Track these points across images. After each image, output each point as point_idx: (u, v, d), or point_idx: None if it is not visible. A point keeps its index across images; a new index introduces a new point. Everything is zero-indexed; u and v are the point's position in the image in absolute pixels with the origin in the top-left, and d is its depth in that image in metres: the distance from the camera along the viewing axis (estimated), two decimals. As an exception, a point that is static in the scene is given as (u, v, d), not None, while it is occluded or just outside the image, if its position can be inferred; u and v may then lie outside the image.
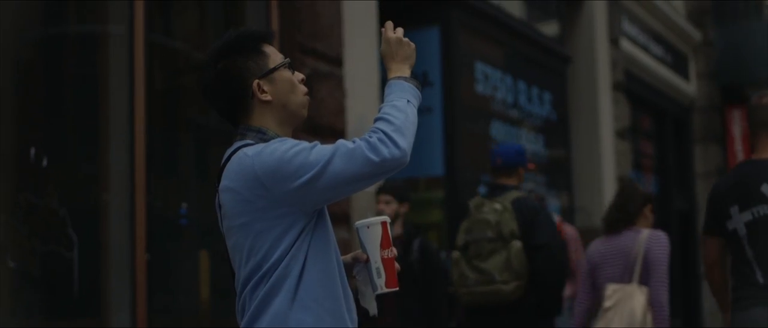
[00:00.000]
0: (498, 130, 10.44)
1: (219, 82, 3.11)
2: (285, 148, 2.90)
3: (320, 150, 2.89)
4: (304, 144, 2.91)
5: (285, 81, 3.08)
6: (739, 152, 19.52)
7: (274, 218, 2.92)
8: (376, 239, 3.10)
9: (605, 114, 13.12)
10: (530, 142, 11.23)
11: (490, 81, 10.42)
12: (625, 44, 14.62)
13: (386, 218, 3.14)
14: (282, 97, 3.07)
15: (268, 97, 3.06)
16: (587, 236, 11.96)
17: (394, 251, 3.13)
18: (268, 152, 2.91)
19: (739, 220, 5.13)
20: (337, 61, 7.80)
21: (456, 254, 6.41)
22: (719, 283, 5.50)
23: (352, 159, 2.86)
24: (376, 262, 3.09)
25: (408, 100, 3.06)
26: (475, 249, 6.23)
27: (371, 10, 8.33)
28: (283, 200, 2.90)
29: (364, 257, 3.12)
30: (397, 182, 7.49)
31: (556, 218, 8.22)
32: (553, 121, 11.91)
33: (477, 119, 10.20)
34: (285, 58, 3.14)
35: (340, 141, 2.91)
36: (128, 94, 6.33)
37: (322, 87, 7.61)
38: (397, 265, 3.13)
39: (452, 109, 9.52)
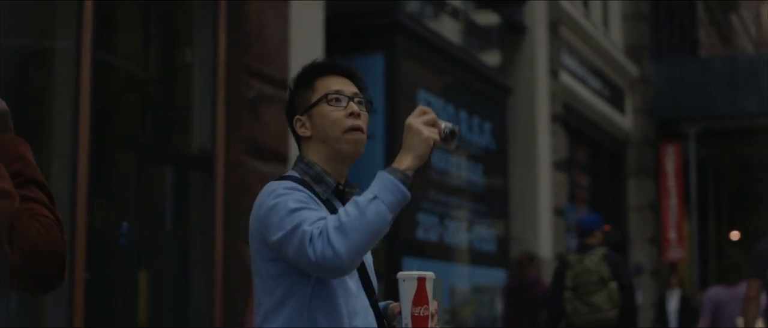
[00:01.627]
0: (438, 159, 10.49)
1: (286, 118, 3.10)
2: (276, 196, 2.81)
3: (291, 219, 2.74)
4: (290, 202, 2.77)
5: (322, 116, 2.94)
6: (672, 187, 19.79)
7: (268, 261, 2.86)
8: (409, 295, 2.93)
9: (543, 145, 13.24)
10: (469, 171, 11.30)
11: (433, 109, 10.43)
12: (564, 77, 14.79)
13: (427, 274, 2.95)
14: (320, 132, 2.95)
15: (307, 133, 2.98)
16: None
17: (432, 308, 2.92)
18: (267, 193, 2.84)
19: None
20: (283, 85, 7.79)
21: (568, 293, 8.24)
22: None
23: (300, 250, 2.69)
24: (406, 318, 2.93)
25: (374, 196, 2.69)
26: (584, 289, 8.21)
27: (318, 34, 8.36)
28: (271, 246, 2.82)
29: (397, 309, 2.98)
30: None
31: None
32: (492, 150, 11.99)
33: (418, 147, 10.23)
34: (326, 93, 2.98)
35: (306, 219, 2.72)
36: (72, 112, 6.27)
37: (266, 110, 7.61)
38: (433, 322, 2.93)
39: (394, 137, 9.54)
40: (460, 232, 11.01)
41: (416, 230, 9.97)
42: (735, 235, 26.34)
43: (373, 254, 9.00)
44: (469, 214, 11.35)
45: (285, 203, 2.76)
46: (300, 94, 3.03)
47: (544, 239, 13.04)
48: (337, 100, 2.96)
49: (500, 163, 12.37)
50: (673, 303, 15.61)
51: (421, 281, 2.91)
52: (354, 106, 2.98)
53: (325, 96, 2.97)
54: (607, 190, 18.30)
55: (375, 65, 9.64)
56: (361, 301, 2.94)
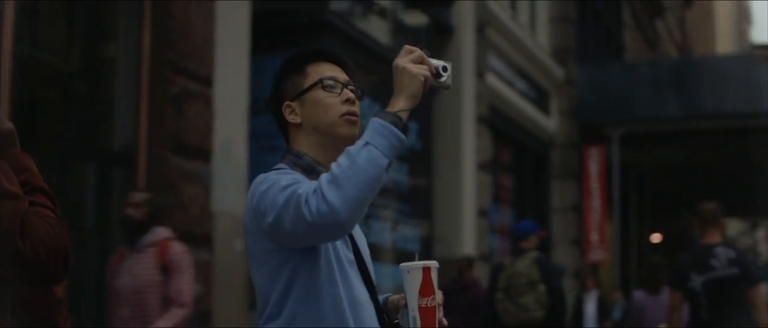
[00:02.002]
0: (363, 158, 10.51)
1: (269, 105, 2.98)
2: (269, 181, 2.69)
3: (284, 193, 2.61)
4: (283, 180, 2.65)
5: (315, 102, 2.84)
6: (595, 190, 19.98)
7: (266, 253, 2.75)
8: (414, 285, 2.82)
9: (468, 146, 13.31)
10: (394, 171, 11.33)
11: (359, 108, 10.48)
12: (491, 78, 14.88)
13: (431, 263, 2.84)
14: (311, 118, 2.84)
15: (297, 120, 2.87)
16: (446, 266, 12.14)
17: (438, 298, 2.84)
18: (259, 182, 2.73)
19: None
20: (207, 82, 7.78)
21: (500, 294, 8.72)
22: None
23: (296, 213, 2.56)
24: (413, 310, 2.82)
25: (366, 143, 2.57)
26: (514, 290, 8.69)
27: (244, 32, 8.34)
28: (267, 234, 2.71)
29: (403, 302, 2.88)
30: None
31: None
32: (417, 150, 12.04)
33: (343, 146, 10.25)
34: (321, 78, 2.89)
35: (300, 186, 2.60)
36: (-8, 105, 6.21)
37: (191, 107, 7.58)
38: (440, 314, 2.84)
39: (320, 135, 9.55)
40: (385, 231, 11.04)
41: (340, 228, 9.97)
42: (656, 237, 26.68)
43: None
44: (394, 214, 11.39)
45: (277, 183, 2.65)
46: (289, 79, 2.92)
47: (468, 240, 13.10)
48: (332, 86, 2.87)
49: (425, 163, 12.43)
50: (590, 305, 15.73)
51: (427, 270, 2.82)
52: (349, 93, 2.91)
53: (321, 81, 2.88)
54: (531, 191, 18.45)
55: (301, 63, 9.62)
56: (363, 293, 2.85)
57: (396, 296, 2.96)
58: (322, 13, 9.73)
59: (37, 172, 2.70)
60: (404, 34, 12.47)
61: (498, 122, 15.47)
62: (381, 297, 3.00)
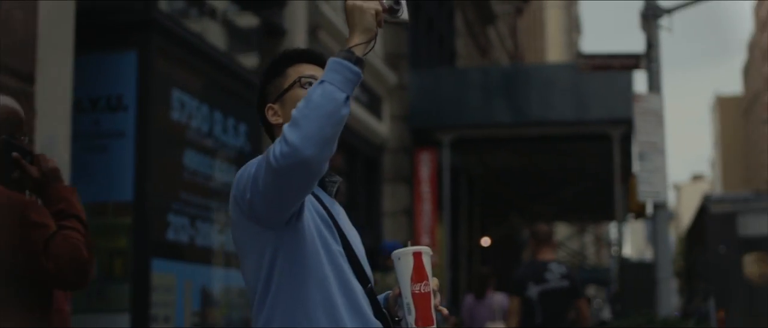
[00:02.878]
0: (191, 159, 10.41)
1: (256, 109, 3.03)
2: (245, 169, 2.81)
3: (256, 164, 2.75)
4: (260, 159, 2.75)
5: (294, 100, 2.84)
6: (426, 193, 20.22)
7: (251, 239, 2.82)
8: (406, 272, 2.81)
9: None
10: (223, 173, 11.26)
11: (186, 109, 10.39)
12: (323, 82, 14.90)
13: (423, 249, 2.85)
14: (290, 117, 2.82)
15: (279, 120, 2.94)
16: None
17: (432, 284, 2.84)
18: (238, 175, 2.82)
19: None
20: (29, 79, 7.59)
21: None
22: None
23: (266, 169, 2.67)
24: (407, 297, 2.80)
25: (321, 81, 2.67)
26: None
27: (68, 29, 8.16)
28: (248, 216, 2.79)
29: (398, 290, 2.89)
30: None
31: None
32: (247, 152, 11.98)
33: (170, 146, 10.14)
34: (299, 77, 2.95)
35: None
36: None
37: (10, 104, 7.39)
38: (436, 300, 2.84)
39: (145, 135, 9.43)
40: (213, 234, 10.96)
41: (167, 231, 9.87)
42: (485, 241, 27.14)
43: (121, 256, 8.77)
44: (223, 215, 11.31)
45: (251, 164, 2.78)
46: (271, 82, 3.01)
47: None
48: (311, 84, 2.90)
49: (255, 165, 12.37)
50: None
51: (418, 255, 2.81)
52: None
53: (299, 80, 2.95)
54: (364, 195, 18.56)
55: (128, 62, 9.49)
56: (358, 286, 2.88)
57: (391, 292, 2.98)
58: (149, 12, 9.60)
59: (75, 201, 3.65)
60: (236, 36, 12.40)
61: (330, 125, 15.50)
62: (381, 296, 3.02)
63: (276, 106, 2.98)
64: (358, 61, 2.74)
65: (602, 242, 47.44)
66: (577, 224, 42.18)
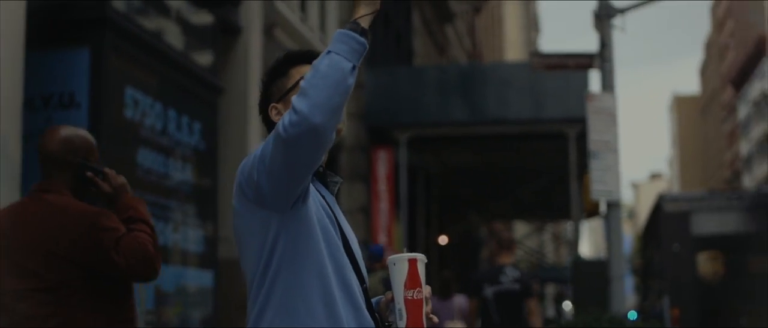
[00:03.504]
0: (145, 157, 10.37)
1: (258, 110, 3.07)
2: (253, 153, 2.83)
3: (261, 146, 2.79)
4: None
5: None
6: (383, 192, 20.26)
7: (254, 225, 2.83)
8: (400, 278, 2.82)
9: (254, 146, 13.28)
10: (178, 171, 11.22)
11: (140, 107, 10.34)
12: (279, 80, 14.88)
13: (417, 256, 2.85)
14: None
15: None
16: (230, 267, 12.11)
17: (424, 292, 2.84)
18: (241, 165, 2.86)
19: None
20: (-22, 76, 7.54)
21: None
22: None
23: (274, 143, 2.71)
24: (399, 303, 2.82)
25: (328, 52, 2.75)
26: None
27: (18, 26, 8.10)
28: (254, 200, 2.81)
29: (390, 295, 2.90)
30: None
31: None
32: (201, 150, 11.95)
33: (124, 144, 10.09)
34: (302, 76, 2.95)
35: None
36: None
37: (-41, 102, 7.33)
38: (427, 308, 2.85)
39: (98, 133, 9.36)
40: (168, 232, 10.92)
41: (120, 228, 9.81)
42: (443, 239, 27.21)
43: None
44: (177, 214, 11.27)
45: (262, 146, 2.80)
46: (274, 83, 3.07)
47: (253, 240, 13.04)
48: None
49: (210, 163, 12.33)
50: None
51: (413, 262, 2.83)
52: None
53: (302, 78, 2.93)
54: (320, 193, 18.55)
55: (81, 59, 9.43)
56: (355, 282, 2.90)
57: (389, 292, 2.98)
58: (102, 9, 9.55)
59: (141, 208, 4.40)
60: (191, 34, 12.36)
61: (286, 124, 15.49)
62: (374, 299, 3.05)
63: (279, 106, 3.02)
64: (364, 32, 2.82)
65: (561, 240, 47.67)
66: (535, 222, 42.33)
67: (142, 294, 10.26)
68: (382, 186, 20.40)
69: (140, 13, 10.89)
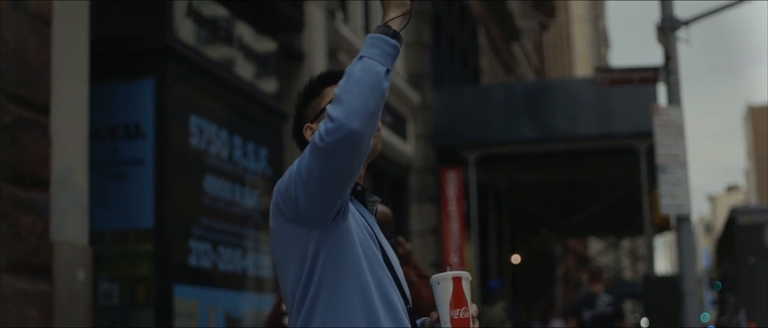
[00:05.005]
0: (211, 185, 10.45)
1: (292, 133, 3.06)
2: (284, 176, 2.80)
3: (303, 155, 2.74)
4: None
5: None
6: (453, 212, 20.21)
7: (293, 244, 2.79)
8: (445, 297, 2.78)
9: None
10: (245, 197, 11.29)
11: (205, 135, 10.44)
12: (344, 103, 14.92)
13: (462, 274, 2.81)
14: None
15: None
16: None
17: (471, 310, 2.81)
18: (278, 185, 2.83)
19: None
20: (44, 110, 7.64)
21: None
22: None
23: (310, 154, 2.66)
24: (445, 323, 2.77)
25: (360, 57, 2.70)
26: None
27: (83, 58, 8.22)
28: (292, 218, 2.77)
29: (435, 316, 2.85)
30: None
31: None
32: (268, 176, 12.02)
33: (190, 172, 10.19)
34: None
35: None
36: None
37: (26, 135, 7.43)
38: (474, 326, 2.81)
39: (164, 162, 9.48)
40: (236, 259, 10.99)
41: (189, 257, 9.91)
42: (516, 258, 27.07)
43: (143, 282, 8.83)
44: (246, 240, 11.34)
45: (297, 162, 2.76)
46: (308, 104, 3.02)
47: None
48: None
49: (277, 189, 12.40)
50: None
51: (458, 280, 2.79)
52: None
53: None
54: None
55: (145, 90, 9.56)
56: (398, 299, 2.86)
57: (434, 313, 2.93)
58: (164, 40, 9.66)
59: (420, 266, 6.60)
60: (255, 61, 12.46)
61: (353, 147, 15.51)
62: (418, 321, 3.01)
63: (314, 126, 2.96)
64: (396, 35, 2.75)
65: (637, 255, 47.18)
66: (609, 238, 41.94)
67: (213, 320, 10.34)
68: (453, 206, 20.35)
69: (204, 42, 11.00)
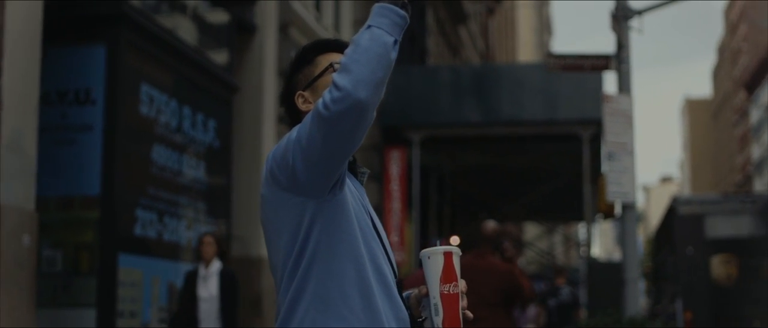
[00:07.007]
0: (159, 154, 10.36)
1: (281, 101, 2.99)
2: (281, 142, 2.73)
3: (296, 129, 2.68)
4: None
5: (327, 85, 2.66)
6: (395, 192, 20.22)
7: (287, 213, 2.73)
8: (436, 271, 2.71)
9: (268, 145, 13.28)
10: (191, 168, 11.21)
11: (155, 104, 10.34)
12: (293, 79, 14.86)
13: (453, 249, 2.73)
14: None
15: (310, 106, 2.85)
16: (244, 265, 12.08)
17: (460, 286, 2.74)
18: (273, 151, 2.76)
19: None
20: (-4, 71, 7.53)
21: None
22: None
23: (313, 122, 2.58)
24: (434, 298, 2.71)
25: (368, 26, 2.62)
26: None
27: (36, 22, 8.10)
28: (288, 187, 2.70)
29: (424, 290, 2.79)
30: None
31: None
32: (216, 148, 11.94)
33: (139, 141, 10.09)
34: (331, 63, 2.88)
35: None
36: None
37: (-24, 96, 7.33)
38: (463, 303, 2.76)
39: (114, 129, 9.38)
40: (181, 229, 10.91)
41: (134, 226, 9.82)
42: (454, 240, 27.13)
43: (87, 250, 8.70)
44: (191, 211, 11.26)
45: (296, 130, 2.69)
46: (300, 71, 2.96)
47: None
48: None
49: (224, 161, 12.33)
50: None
51: (448, 255, 2.72)
52: None
53: (331, 65, 2.88)
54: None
55: (96, 56, 9.44)
56: (389, 271, 2.81)
57: (417, 291, 2.90)
58: (119, 7, 9.55)
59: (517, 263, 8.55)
60: (206, 32, 12.36)
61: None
62: (405, 293, 2.95)
63: (306, 94, 2.92)
64: (405, 5, 2.68)
65: (571, 242, 47.56)
66: (547, 223, 42.24)
67: (156, 290, 10.25)
68: (395, 186, 20.37)
69: (156, 11, 10.89)
